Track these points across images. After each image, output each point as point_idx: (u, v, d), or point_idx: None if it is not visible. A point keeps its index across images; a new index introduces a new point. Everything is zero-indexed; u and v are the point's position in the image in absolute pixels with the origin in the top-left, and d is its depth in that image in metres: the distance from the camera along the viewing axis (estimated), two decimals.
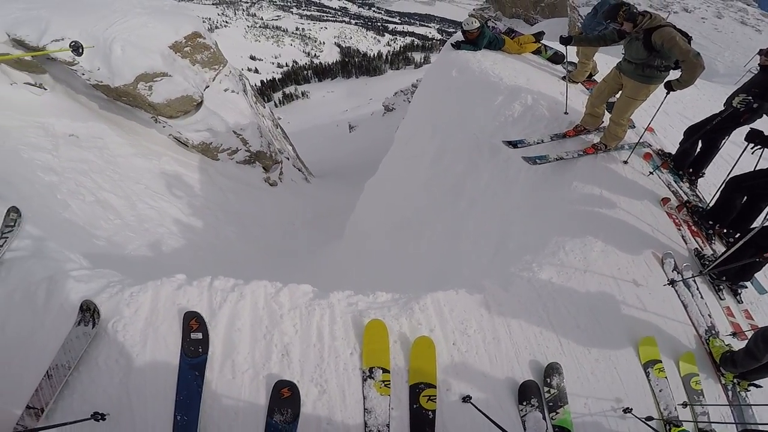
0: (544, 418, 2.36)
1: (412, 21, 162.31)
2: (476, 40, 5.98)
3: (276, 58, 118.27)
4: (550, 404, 2.48)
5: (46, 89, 7.49)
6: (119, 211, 6.89)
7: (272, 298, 2.42)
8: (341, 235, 8.50)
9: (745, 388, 2.93)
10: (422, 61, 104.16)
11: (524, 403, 2.40)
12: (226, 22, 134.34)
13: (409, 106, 7.87)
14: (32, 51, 6.93)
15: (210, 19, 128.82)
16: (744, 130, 3.58)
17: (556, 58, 6.11)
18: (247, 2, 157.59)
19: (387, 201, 7.08)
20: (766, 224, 3.15)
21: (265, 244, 9.07)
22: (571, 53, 5.64)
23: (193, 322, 2.18)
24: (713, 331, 3.10)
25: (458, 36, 6.32)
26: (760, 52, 3.79)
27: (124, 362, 2.07)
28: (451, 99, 5.84)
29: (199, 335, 2.16)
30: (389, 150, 7.83)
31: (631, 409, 2.51)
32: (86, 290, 2.29)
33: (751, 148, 3.50)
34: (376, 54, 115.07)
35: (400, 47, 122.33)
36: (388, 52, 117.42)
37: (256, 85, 77.61)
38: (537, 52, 6.32)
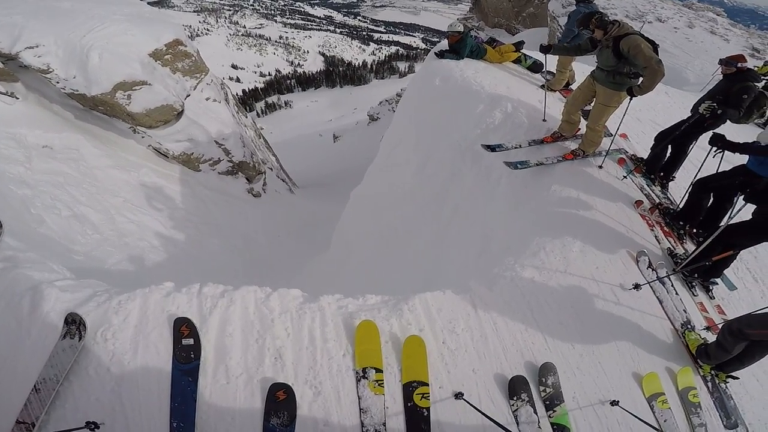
0: (535, 413, 2.43)
1: (397, 30, 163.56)
2: (458, 48, 6.14)
3: (258, 66, 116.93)
4: (547, 403, 2.54)
5: (17, 98, 7.27)
6: (97, 225, 6.73)
7: (262, 303, 2.45)
8: (328, 246, 8.51)
9: (723, 380, 3.06)
10: (407, 70, 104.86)
11: (515, 398, 2.47)
12: (208, 29, 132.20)
13: (394, 115, 7.99)
14: (3, 57, 6.68)
15: (191, 26, 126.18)
16: (709, 134, 3.80)
17: (536, 67, 6.33)
18: (230, 10, 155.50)
19: (373, 210, 7.15)
20: (730, 223, 3.35)
21: (250, 256, 8.98)
22: (550, 62, 5.87)
23: (183, 328, 2.19)
24: (689, 325, 3.25)
25: (442, 45, 6.48)
26: (721, 62, 4.04)
27: (116, 370, 2.06)
28: (434, 107, 5.99)
29: (191, 341, 2.16)
30: (374, 159, 7.92)
31: (618, 402, 2.60)
32: (72, 299, 2.27)
33: (714, 152, 3.71)
34: (360, 63, 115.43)
35: (384, 56, 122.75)
36: (373, 61, 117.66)
37: (238, 94, 76.52)
38: (517, 61, 6.52)
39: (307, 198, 13.91)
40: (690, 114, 4.28)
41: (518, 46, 6.54)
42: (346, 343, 2.40)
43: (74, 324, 2.12)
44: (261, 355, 2.25)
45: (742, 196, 3.36)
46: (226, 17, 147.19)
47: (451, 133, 5.53)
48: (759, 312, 2.76)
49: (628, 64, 3.89)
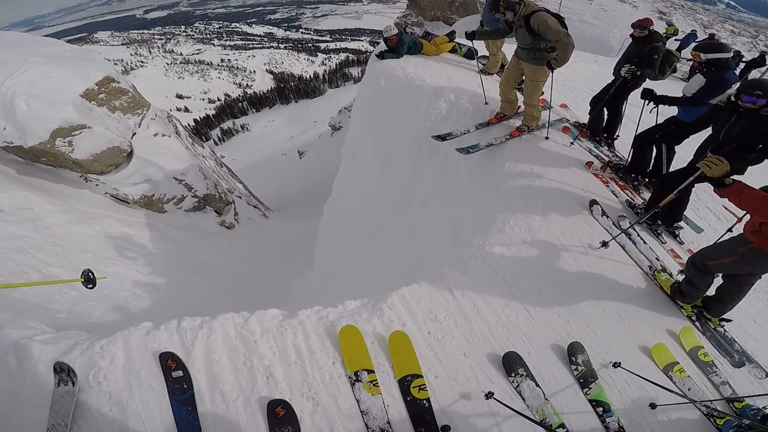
0: (537, 386, 2.45)
1: (343, 37, 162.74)
2: (397, 47, 6.30)
3: (205, 93, 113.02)
4: (581, 381, 2.55)
5: None
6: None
7: (242, 327, 2.46)
8: (311, 263, 8.51)
9: (718, 324, 3.15)
10: (360, 75, 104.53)
11: (512, 375, 2.49)
12: (142, 61, 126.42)
13: (349, 122, 8.08)
14: None
15: (122, 60, 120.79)
16: (637, 93, 4.07)
17: (471, 54, 6.53)
18: (161, 38, 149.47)
19: (347, 219, 7.21)
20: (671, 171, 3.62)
21: (235, 288, 8.82)
22: (483, 47, 6.08)
23: (170, 362, 2.21)
24: (657, 267, 3.39)
25: (381, 47, 6.62)
26: (634, 26, 4.34)
27: (118, 410, 2.08)
28: (384, 107, 6.11)
29: (180, 373, 2.19)
30: (339, 169, 7.97)
31: (620, 363, 2.63)
32: (55, 350, 2.28)
33: (649, 107, 4.01)
34: (312, 75, 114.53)
35: (336, 65, 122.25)
36: (325, 71, 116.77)
37: (189, 124, 74.09)
38: (453, 50, 6.74)
39: (283, 220, 13.74)
40: (613, 77, 4.59)
41: (450, 36, 6.75)
42: (333, 351, 2.42)
43: (64, 371, 2.14)
44: (252, 376, 2.27)
45: None
46: (159, 47, 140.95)
47: (404, 130, 5.66)
48: (715, 243, 2.96)
49: (543, 40, 4.03)
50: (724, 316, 3.13)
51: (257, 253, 10.58)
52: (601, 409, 2.45)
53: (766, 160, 2.94)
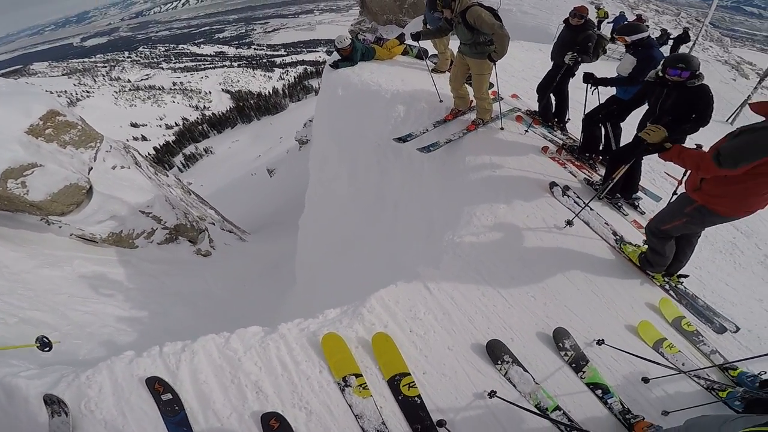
0: (526, 371, 2.48)
1: (298, 50, 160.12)
2: (351, 55, 6.38)
3: (161, 119, 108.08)
4: (574, 365, 2.57)
5: None
6: (52, 324, 6.19)
7: (224, 347, 2.48)
8: (294, 280, 8.45)
9: (678, 282, 3.30)
10: (320, 86, 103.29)
11: (499, 362, 2.53)
12: (88, 91, 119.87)
13: (312, 134, 8.11)
14: None
15: (66, 91, 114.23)
16: (578, 77, 4.34)
17: (422, 55, 6.65)
18: (105, 66, 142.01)
19: (323, 230, 7.22)
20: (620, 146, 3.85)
21: (220, 314, 8.64)
22: (432, 46, 6.23)
23: (157, 386, 2.23)
24: (622, 239, 3.55)
25: (335, 56, 6.67)
26: (573, 15, 4.52)
27: None
28: (345, 116, 6.18)
29: (169, 396, 2.21)
30: (309, 182, 7.98)
31: (604, 341, 2.67)
32: (42, 384, 2.28)
33: (591, 89, 4.26)
34: (271, 91, 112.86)
35: (294, 78, 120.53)
36: (284, 85, 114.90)
37: (149, 153, 71.38)
38: (405, 52, 6.91)
39: (260, 241, 13.55)
40: (552, 63, 4.84)
41: (400, 38, 6.94)
42: (318, 360, 2.45)
43: (55, 403, 2.15)
44: (241, 392, 2.29)
45: None
46: (103, 75, 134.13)
47: (367, 136, 5.75)
48: (665, 207, 3.11)
49: (481, 34, 4.12)
50: (680, 272, 3.29)
51: (238, 278, 10.42)
52: (600, 391, 2.47)
53: (702, 128, 3.14)
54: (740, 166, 2.28)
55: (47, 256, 7.51)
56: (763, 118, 2.26)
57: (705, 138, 2.90)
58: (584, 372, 2.56)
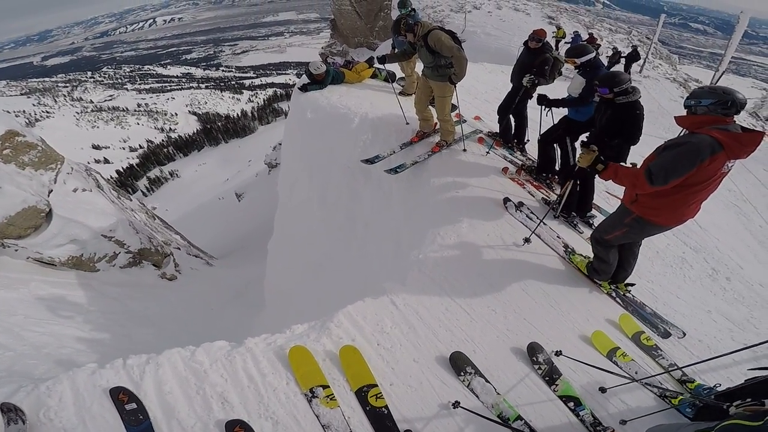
0: (488, 381, 2.55)
1: (268, 72, 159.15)
2: (323, 80, 6.54)
3: (125, 141, 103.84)
4: (547, 379, 2.63)
5: None
6: (6, 344, 5.84)
7: (190, 360, 2.46)
8: (264, 304, 8.29)
9: (625, 291, 3.46)
10: (289, 108, 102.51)
11: (462, 374, 2.59)
12: (48, 112, 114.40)
13: (281, 157, 8.16)
14: None
15: (24, 111, 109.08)
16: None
17: (391, 78, 6.92)
18: (66, 86, 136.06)
19: (293, 254, 7.18)
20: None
21: (187, 337, 8.28)
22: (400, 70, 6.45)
23: (121, 396, 2.20)
24: (573, 251, 3.77)
25: (304, 79, 6.78)
26: (532, 39, 4.74)
27: None
28: (314, 139, 6.29)
29: (134, 405, 2.18)
30: (278, 205, 7.96)
31: (561, 351, 2.76)
32: None
33: (545, 111, 4.56)
34: (240, 113, 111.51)
35: (264, 100, 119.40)
36: (253, 108, 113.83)
37: (111, 176, 68.27)
38: (374, 75, 7.16)
39: (228, 266, 13.27)
40: (512, 84, 5.08)
41: (370, 62, 7.17)
42: (285, 372, 2.46)
43: (11, 411, 2.07)
44: (207, 403, 2.27)
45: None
46: (65, 95, 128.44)
47: (337, 159, 5.87)
48: (607, 217, 3.31)
49: (442, 57, 4.26)
50: (627, 281, 3.50)
51: (205, 302, 10.14)
52: (572, 403, 2.53)
53: (639, 142, 3.39)
54: (670, 182, 2.48)
55: (1, 278, 7.16)
56: (687, 131, 2.52)
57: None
58: (557, 385, 2.63)
